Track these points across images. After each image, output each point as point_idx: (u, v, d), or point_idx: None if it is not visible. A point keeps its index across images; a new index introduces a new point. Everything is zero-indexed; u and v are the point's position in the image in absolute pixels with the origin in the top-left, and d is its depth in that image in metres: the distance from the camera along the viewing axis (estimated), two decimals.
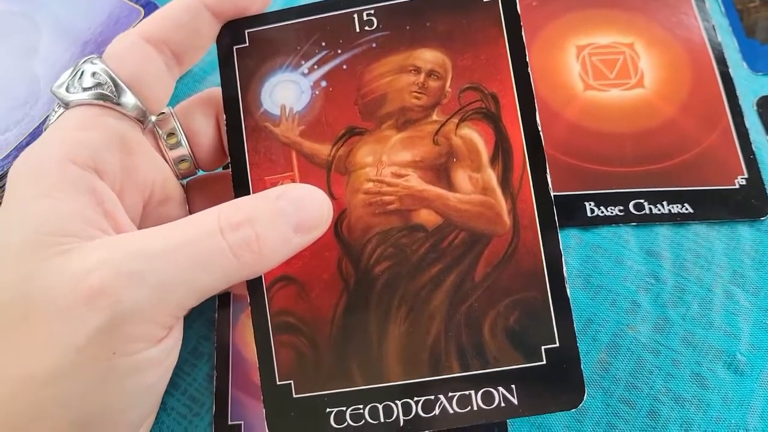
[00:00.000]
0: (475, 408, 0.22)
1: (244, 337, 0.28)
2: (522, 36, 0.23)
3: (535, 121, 0.23)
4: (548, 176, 0.22)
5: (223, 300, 0.29)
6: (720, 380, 0.26)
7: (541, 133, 0.23)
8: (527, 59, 0.23)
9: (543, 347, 0.22)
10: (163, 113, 0.25)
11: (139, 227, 0.24)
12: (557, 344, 0.22)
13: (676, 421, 0.26)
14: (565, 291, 0.22)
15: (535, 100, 0.23)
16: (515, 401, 0.22)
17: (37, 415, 0.19)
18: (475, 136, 0.23)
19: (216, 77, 0.35)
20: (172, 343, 0.21)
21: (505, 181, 0.23)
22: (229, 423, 0.26)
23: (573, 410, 0.26)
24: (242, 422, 0.26)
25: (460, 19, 0.23)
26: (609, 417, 0.26)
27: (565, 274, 0.22)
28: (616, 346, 0.27)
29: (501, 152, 0.23)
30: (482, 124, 0.23)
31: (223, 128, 0.26)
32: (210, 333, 0.28)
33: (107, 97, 0.22)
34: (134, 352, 0.20)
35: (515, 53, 0.23)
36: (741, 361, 0.27)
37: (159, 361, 0.21)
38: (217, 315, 0.29)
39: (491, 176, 0.23)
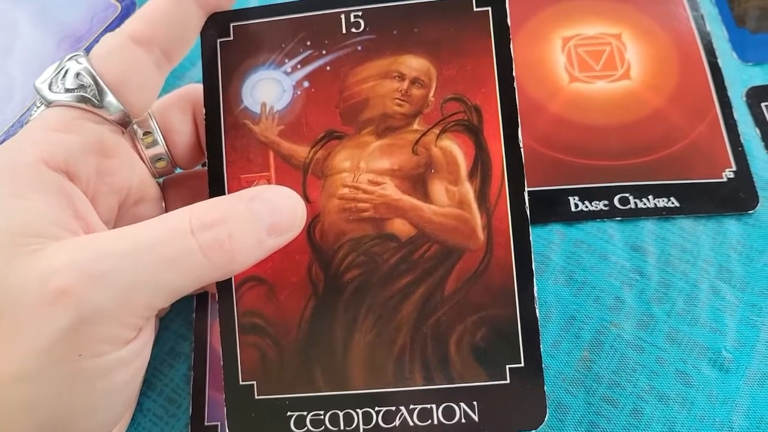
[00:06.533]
0: (436, 422, 0.22)
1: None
2: (510, 49, 0.23)
3: (517, 137, 0.22)
4: (526, 194, 0.22)
5: (201, 300, 0.28)
6: (705, 378, 0.26)
7: (522, 150, 0.22)
8: (513, 73, 0.23)
9: (508, 366, 0.22)
10: None
11: (114, 227, 0.24)
12: (522, 364, 0.22)
13: (659, 420, 0.25)
14: (534, 311, 0.22)
15: (519, 116, 0.22)
16: (476, 418, 0.21)
17: (2, 419, 0.19)
18: (455, 149, 0.23)
19: (195, 73, 0.35)
20: (142, 343, 0.21)
21: (481, 197, 0.22)
22: (206, 424, 0.26)
23: (548, 413, 0.26)
24: (219, 423, 0.26)
25: (449, 28, 0.23)
26: (591, 416, 0.25)
27: (535, 294, 0.22)
28: (599, 343, 0.27)
29: (480, 166, 0.22)
30: (463, 136, 0.23)
31: (201, 125, 0.26)
32: (188, 333, 0.28)
33: (89, 101, 0.22)
34: (102, 354, 0.19)
35: (502, 66, 0.23)
36: (726, 358, 0.26)
37: (128, 362, 0.20)
38: (195, 315, 0.28)
39: (468, 190, 0.22)
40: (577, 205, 0.30)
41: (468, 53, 0.23)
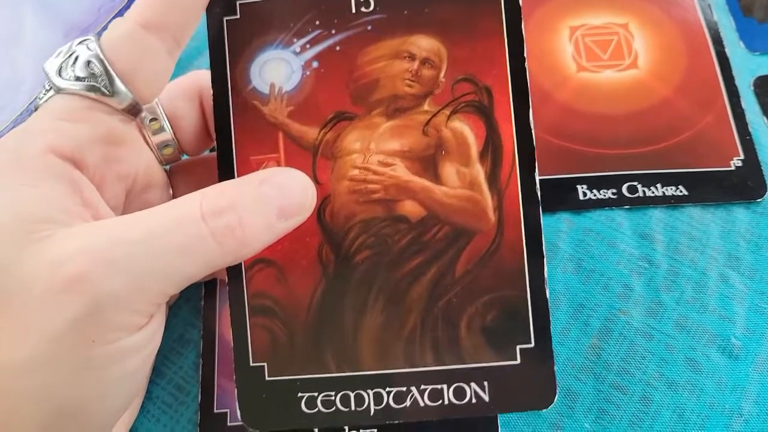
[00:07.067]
0: (446, 402, 0.22)
1: (230, 324, 0.28)
2: (522, 30, 0.22)
3: (528, 118, 0.22)
4: (536, 176, 0.22)
5: (209, 287, 0.28)
6: (714, 365, 0.26)
7: (533, 132, 0.22)
8: (525, 54, 0.22)
9: (518, 347, 0.22)
10: None
11: (122, 214, 0.24)
12: (532, 344, 0.22)
13: (669, 407, 0.25)
14: (545, 292, 0.22)
15: (530, 97, 0.22)
16: (486, 398, 0.22)
17: (14, 406, 0.19)
18: (466, 130, 0.22)
19: (201, 63, 0.35)
20: (154, 329, 0.21)
21: (492, 178, 0.22)
22: (215, 411, 0.26)
23: (558, 401, 0.26)
24: (228, 410, 0.26)
25: (461, 8, 0.23)
26: (600, 403, 0.25)
27: (545, 275, 0.22)
28: (608, 330, 0.27)
29: (491, 148, 0.22)
30: (474, 117, 0.22)
31: (208, 111, 0.25)
32: (196, 320, 0.28)
33: (99, 91, 0.21)
34: (114, 341, 0.19)
35: (513, 47, 0.22)
36: (735, 345, 0.26)
37: (139, 349, 0.20)
38: (203, 302, 0.28)
39: (479, 171, 0.22)
40: (585, 194, 0.30)
41: (479, 34, 0.23)
